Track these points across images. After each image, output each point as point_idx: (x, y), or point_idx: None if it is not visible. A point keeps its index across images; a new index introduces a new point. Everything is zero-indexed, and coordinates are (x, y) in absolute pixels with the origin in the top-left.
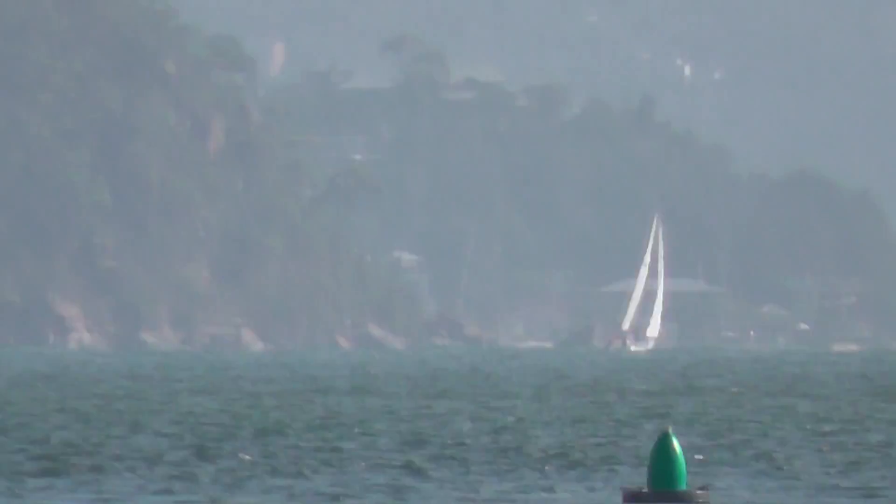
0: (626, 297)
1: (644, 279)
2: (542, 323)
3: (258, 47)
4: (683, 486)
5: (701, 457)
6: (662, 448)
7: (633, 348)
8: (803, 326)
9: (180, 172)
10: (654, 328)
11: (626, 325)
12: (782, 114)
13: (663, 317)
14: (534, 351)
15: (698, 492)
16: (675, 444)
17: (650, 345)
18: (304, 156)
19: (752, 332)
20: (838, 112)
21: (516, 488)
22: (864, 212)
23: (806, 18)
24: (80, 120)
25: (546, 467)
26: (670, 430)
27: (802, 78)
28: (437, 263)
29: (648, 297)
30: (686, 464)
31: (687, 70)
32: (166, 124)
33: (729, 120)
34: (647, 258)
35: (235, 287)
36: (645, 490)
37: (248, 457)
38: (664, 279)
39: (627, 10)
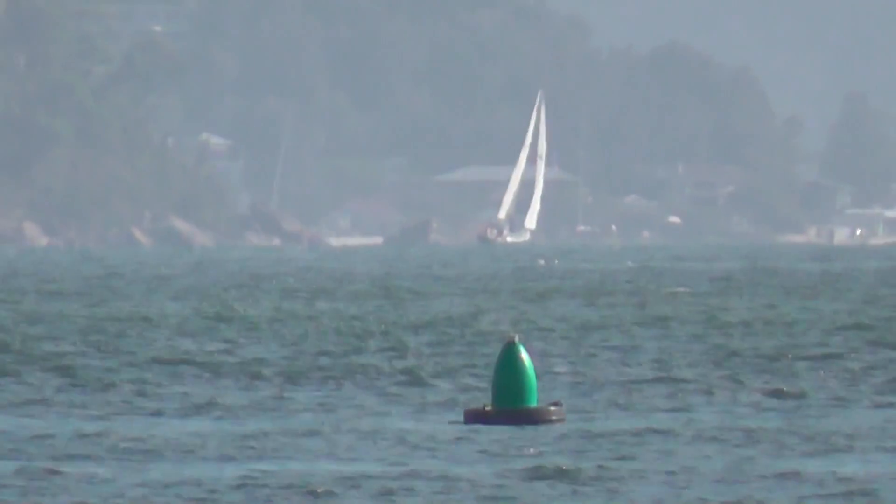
0: (468, 186)
1: (523, 165)
2: (370, 217)
3: None
4: (533, 403)
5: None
6: (507, 360)
7: (509, 240)
8: (673, 220)
9: None
10: (531, 219)
11: (501, 215)
12: None
13: (517, 208)
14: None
15: (551, 408)
16: (523, 354)
17: (527, 237)
18: (96, 28)
19: (613, 227)
20: None
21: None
22: (743, 91)
23: None
24: None
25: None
26: (517, 339)
27: None
28: (249, 150)
29: (523, 185)
30: (536, 377)
31: None
32: None
33: None
34: (528, 140)
35: (17, 176)
36: (489, 408)
37: None
38: (536, 167)
39: None
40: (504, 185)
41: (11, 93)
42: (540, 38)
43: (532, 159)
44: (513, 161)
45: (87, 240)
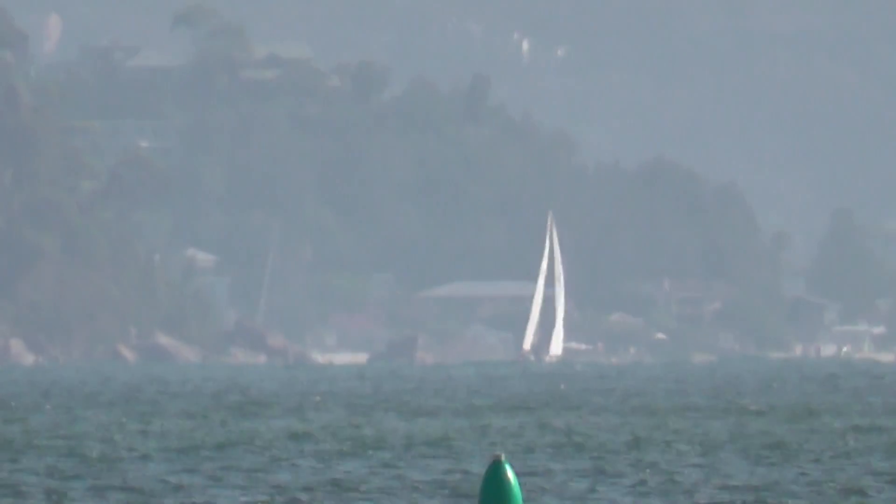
0: (455, 302)
1: (541, 291)
2: (356, 333)
3: (30, 20)
4: None
5: None
6: (493, 478)
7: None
8: (659, 336)
9: None
10: (557, 345)
11: (527, 345)
12: (635, 97)
13: (499, 325)
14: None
15: None
16: (509, 473)
17: (553, 362)
18: (83, 144)
19: (599, 344)
20: (699, 96)
21: None
22: (729, 207)
23: None
24: None
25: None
26: (503, 458)
27: (658, 56)
28: (235, 266)
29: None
30: (522, 494)
31: (525, 46)
32: None
33: (573, 104)
34: (544, 265)
35: (2, 292)
36: None
37: None
38: (546, 287)
39: None
40: (492, 301)
41: None
42: (526, 153)
43: (541, 283)
44: (500, 276)
45: (72, 356)
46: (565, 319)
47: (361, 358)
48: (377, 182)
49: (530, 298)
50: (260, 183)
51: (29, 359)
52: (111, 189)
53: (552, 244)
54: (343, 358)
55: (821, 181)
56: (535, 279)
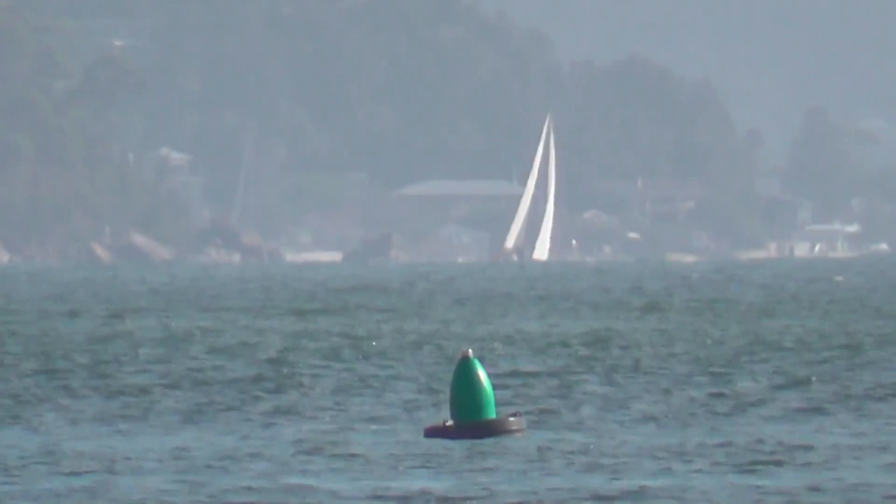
0: (429, 201)
1: (531, 191)
2: (330, 232)
3: None
4: (492, 415)
5: None
6: (463, 375)
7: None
8: (633, 235)
9: None
10: (542, 250)
11: (509, 244)
12: None
13: (473, 225)
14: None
15: (510, 419)
16: (478, 368)
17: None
18: (57, 43)
19: (574, 242)
20: None
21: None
22: (704, 105)
23: None
24: None
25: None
26: (471, 354)
27: None
28: (210, 165)
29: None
30: (493, 389)
31: None
32: None
33: (547, 2)
34: (536, 167)
35: None
36: (450, 424)
37: None
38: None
39: None
40: (467, 200)
41: None
42: (500, 52)
43: (531, 184)
44: (474, 175)
45: (47, 256)
46: (540, 218)
47: (336, 256)
48: (351, 82)
49: (505, 198)
50: (234, 82)
51: (4, 257)
52: (85, 88)
53: (547, 147)
54: (317, 256)
55: (795, 80)
56: (509, 178)
